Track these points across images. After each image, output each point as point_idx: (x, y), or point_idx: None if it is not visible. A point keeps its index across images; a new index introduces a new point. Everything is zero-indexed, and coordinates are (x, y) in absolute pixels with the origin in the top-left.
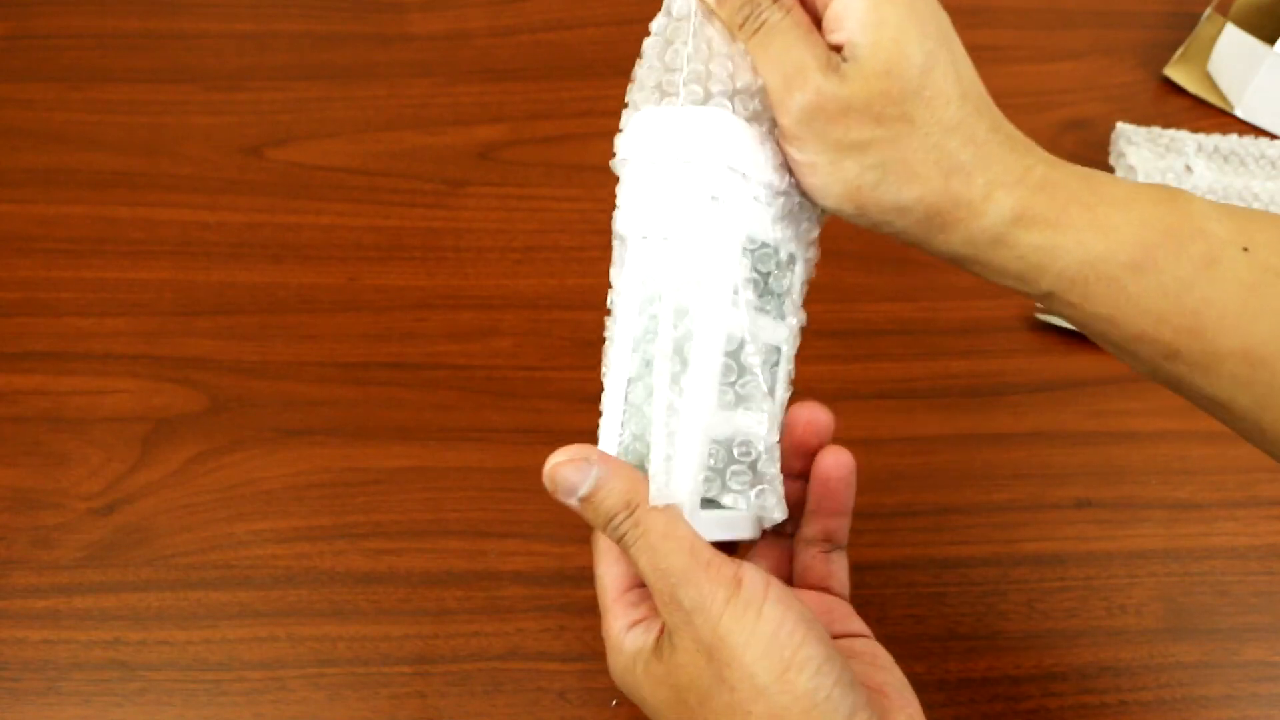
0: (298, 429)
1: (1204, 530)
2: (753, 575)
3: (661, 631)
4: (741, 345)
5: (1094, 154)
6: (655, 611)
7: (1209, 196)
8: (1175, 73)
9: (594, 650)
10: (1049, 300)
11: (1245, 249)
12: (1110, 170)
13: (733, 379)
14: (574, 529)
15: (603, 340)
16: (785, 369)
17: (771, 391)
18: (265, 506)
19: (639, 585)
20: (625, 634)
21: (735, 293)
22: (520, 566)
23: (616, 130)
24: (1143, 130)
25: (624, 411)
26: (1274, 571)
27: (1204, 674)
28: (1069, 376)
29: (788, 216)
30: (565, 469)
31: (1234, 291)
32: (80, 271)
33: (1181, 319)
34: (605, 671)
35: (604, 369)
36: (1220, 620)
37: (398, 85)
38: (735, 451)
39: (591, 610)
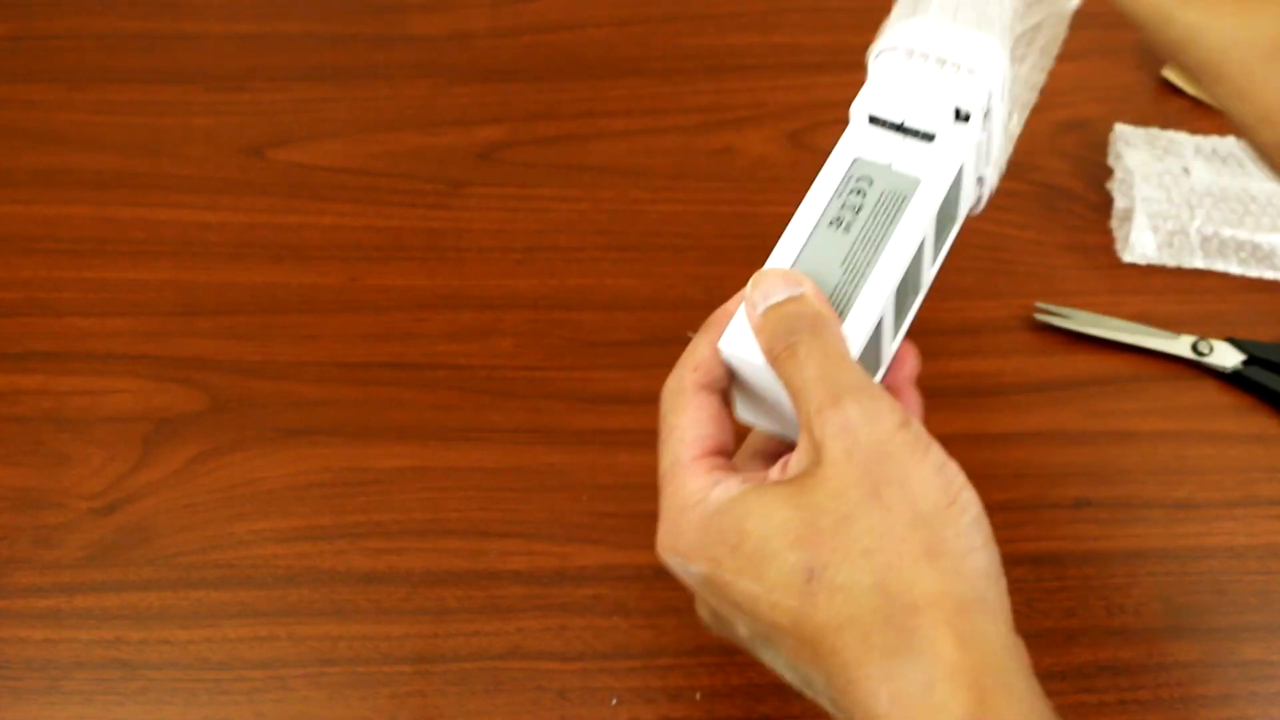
0: (298, 429)
1: (1202, 530)
2: (917, 419)
3: (784, 466)
4: (919, 261)
5: (1094, 154)
6: (735, 471)
7: (1207, 198)
8: (1174, 74)
9: (594, 650)
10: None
11: None
12: (1109, 173)
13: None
14: (574, 529)
15: (603, 341)
16: (915, 309)
17: (901, 320)
18: (266, 506)
19: (720, 453)
20: (716, 486)
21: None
22: (520, 566)
23: (617, 130)
24: (1141, 131)
25: (803, 246)
26: (1272, 571)
27: (1202, 673)
28: (1069, 376)
29: (973, 183)
30: (774, 276)
31: None
32: (81, 271)
33: None
34: (605, 671)
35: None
36: (1219, 619)
37: (398, 85)
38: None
39: (592, 609)
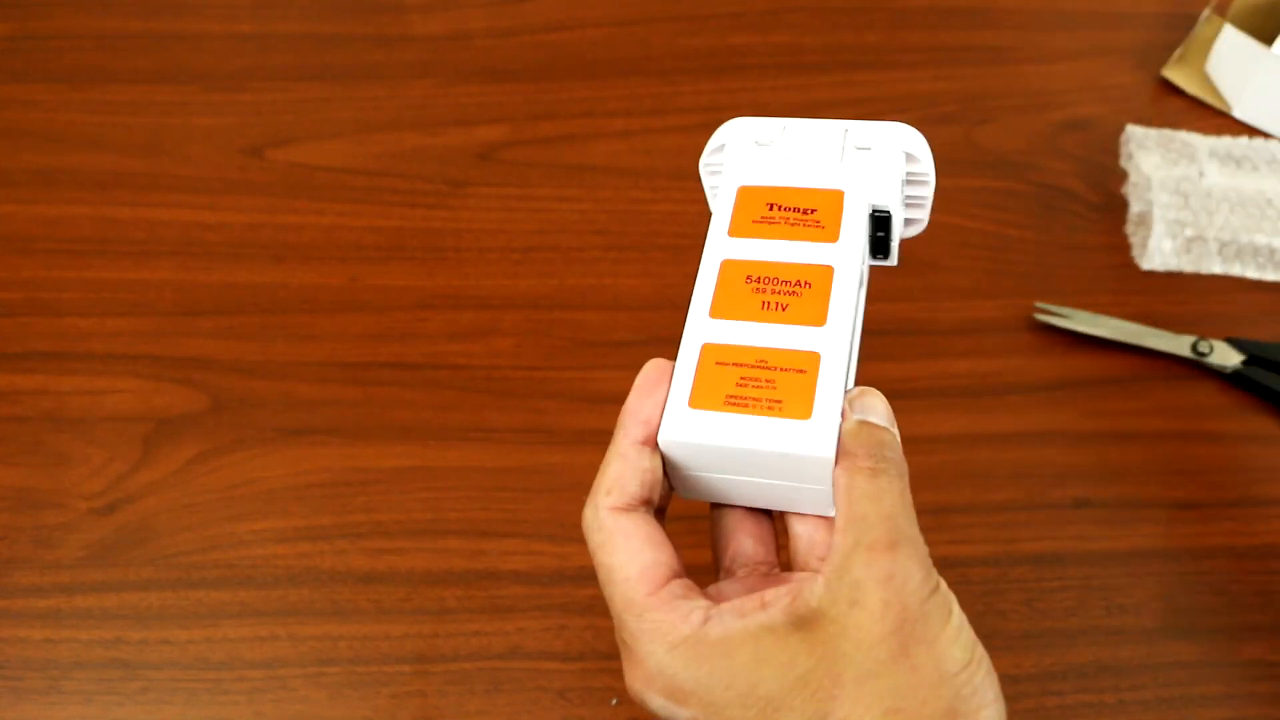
0: (299, 429)
1: (1203, 530)
2: (943, 582)
3: (795, 599)
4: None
5: (1093, 154)
6: (724, 596)
7: (1224, 203)
8: (1173, 73)
9: (594, 650)
10: None
11: None
12: (1110, 173)
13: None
14: (574, 529)
15: (603, 341)
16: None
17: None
18: (266, 506)
19: (677, 576)
20: (702, 621)
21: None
22: (520, 566)
23: (617, 130)
24: (1154, 133)
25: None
26: (1272, 571)
27: (1202, 673)
28: (1069, 376)
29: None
30: (879, 400)
31: None
32: (82, 272)
33: None
34: (605, 671)
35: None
36: (1219, 619)
37: (398, 86)
38: None
39: (592, 609)
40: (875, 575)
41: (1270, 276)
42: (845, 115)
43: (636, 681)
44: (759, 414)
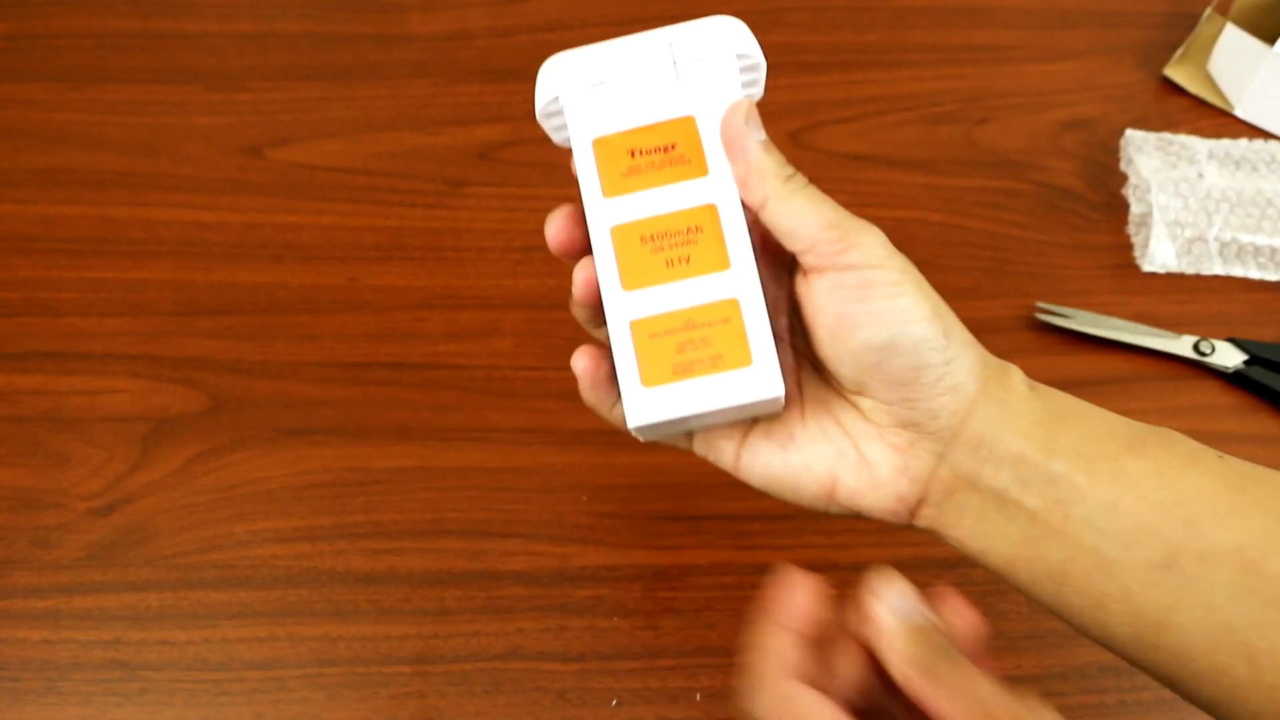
0: (298, 429)
1: None
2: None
3: None
4: None
5: (1094, 154)
6: None
7: (1223, 204)
8: (1175, 73)
9: (594, 651)
10: (1055, 486)
11: (1220, 457)
12: (1111, 173)
13: None
14: (574, 529)
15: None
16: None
17: None
18: (265, 506)
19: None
20: None
21: None
22: (520, 566)
23: None
24: (1152, 137)
25: None
26: None
27: None
28: (1069, 376)
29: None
30: (900, 592)
31: (1219, 486)
32: (80, 271)
33: (1179, 509)
34: (605, 672)
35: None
36: None
37: (398, 85)
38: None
39: (591, 610)
40: None
41: (1271, 276)
42: (846, 114)
43: None
44: (706, 373)
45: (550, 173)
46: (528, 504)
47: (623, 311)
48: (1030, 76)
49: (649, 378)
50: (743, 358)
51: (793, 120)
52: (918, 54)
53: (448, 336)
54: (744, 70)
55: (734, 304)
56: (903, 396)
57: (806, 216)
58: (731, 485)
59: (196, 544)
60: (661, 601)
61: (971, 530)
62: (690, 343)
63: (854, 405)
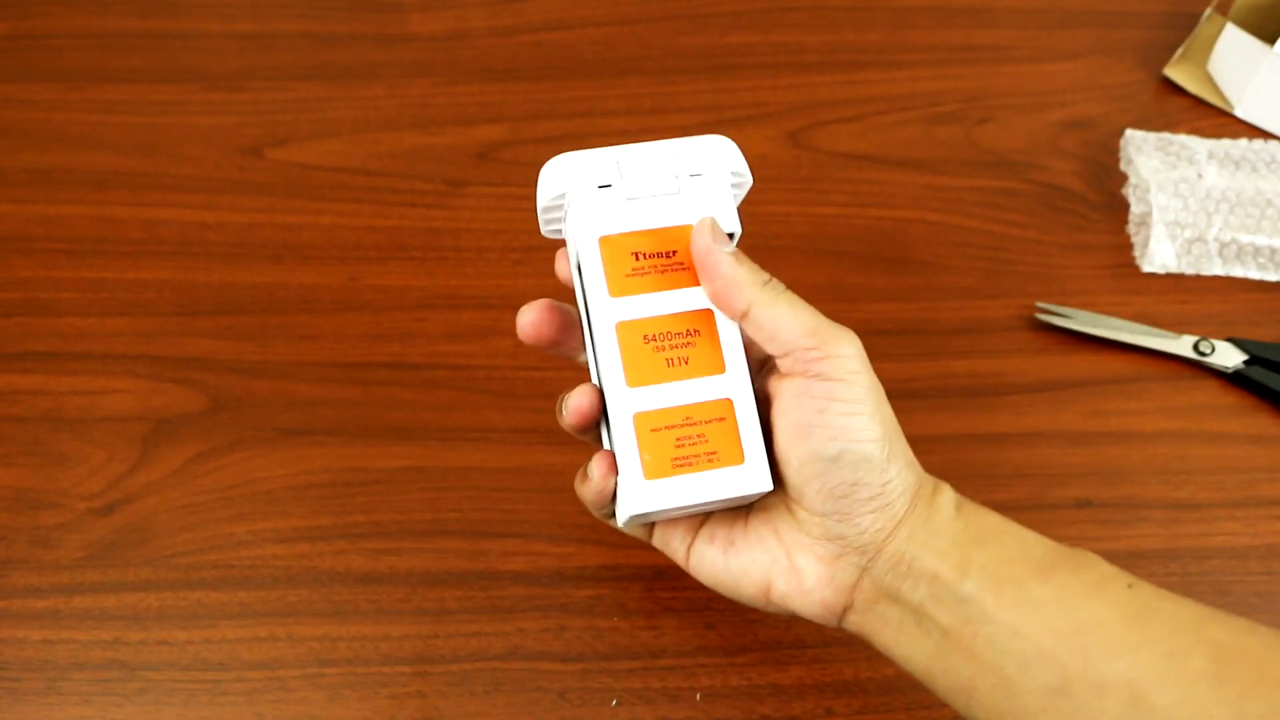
0: (298, 429)
1: (1204, 530)
2: None
3: None
4: None
5: (1094, 154)
6: None
7: (1223, 204)
8: (1175, 73)
9: (594, 651)
10: (965, 606)
11: (1129, 585)
12: (1111, 172)
13: None
14: (574, 529)
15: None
16: None
17: None
18: (265, 506)
19: None
20: None
21: None
22: (520, 566)
23: (616, 130)
24: (1152, 137)
25: None
26: (1274, 571)
27: None
28: (1069, 376)
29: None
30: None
31: (1118, 617)
32: (80, 271)
33: (1076, 637)
34: (605, 672)
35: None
36: None
37: (398, 85)
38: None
39: (591, 610)
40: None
41: (1271, 277)
42: (846, 114)
43: None
44: (702, 469)
45: None
46: (528, 504)
47: (627, 405)
48: (1030, 76)
49: (651, 471)
50: (736, 455)
51: (793, 120)
52: (918, 54)
53: (448, 336)
54: (734, 186)
55: (728, 404)
56: (835, 509)
57: (787, 322)
58: None
59: (196, 544)
60: (661, 601)
61: (893, 639)
62: (688, 439)
63: (791, 514)
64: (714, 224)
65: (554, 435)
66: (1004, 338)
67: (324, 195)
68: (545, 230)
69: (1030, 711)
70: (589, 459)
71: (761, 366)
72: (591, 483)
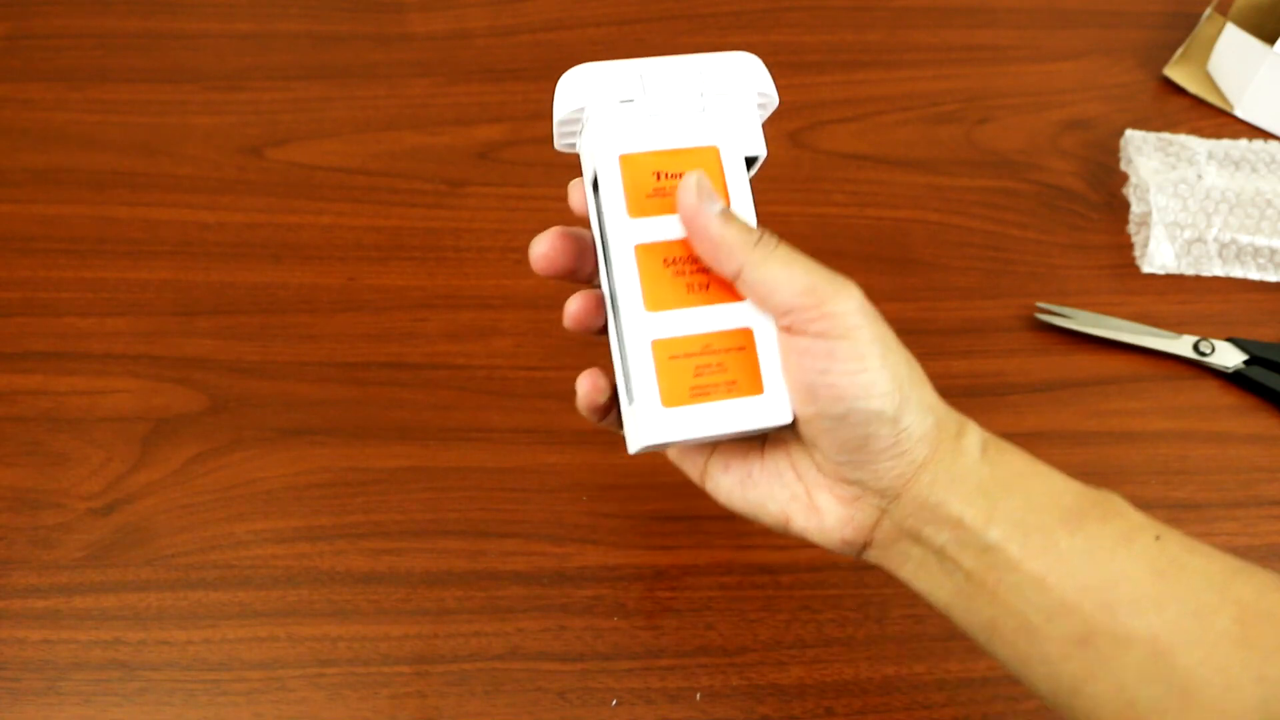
0: (298, 429)
1: (1204, 530)
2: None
3: None
4: None
5: (1094, 154)
6: None
7: (1223, 204)
8: (1175, 73)
9: (594, 651)
10: (989, 554)
11: (1157, 537)
12: (1111, 173)
13: None
14: (574, 529)
15: (603, 341)
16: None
17: None
18: (265, 506)
19: None
20: None
21: None
22: (520, 566)
23: None
24: (1152, 137)
25: None
26: (1274, 570)
27: None
28: (1069, 376)
29: None
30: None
31: (1145, 572)
32: (80, 271)
33: (1100, 592)
34: (604, 672)
35: None
36: None
37: (398, 85)
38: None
39: (591, 610)
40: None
41: (1271, 277)
42: (845, 114)
43: None
44: (722, 399)
45: (550, 172)
46: (528, 504)
47: (644, 330)
48: (1030, 76)
49: (669, 399)
50: (755, 385)
51: (793, 120)
52: (918, 54)
53: (447, 336)
54: (760, 107)
55: (748, 334)
56: (850, 459)
57: (780, 284)
58: None
59: (196, 544)
60: (661, 601)
61: (914, 575)
62: (708, 367)
63: (808, 453)
64: (700, 179)
65: (554, 435)
66: (1004, 338)
67: (324, 195)
68: (559, 144)
69: (1052, 658)
70: (593, 454)
71: None
72: (580, 398)
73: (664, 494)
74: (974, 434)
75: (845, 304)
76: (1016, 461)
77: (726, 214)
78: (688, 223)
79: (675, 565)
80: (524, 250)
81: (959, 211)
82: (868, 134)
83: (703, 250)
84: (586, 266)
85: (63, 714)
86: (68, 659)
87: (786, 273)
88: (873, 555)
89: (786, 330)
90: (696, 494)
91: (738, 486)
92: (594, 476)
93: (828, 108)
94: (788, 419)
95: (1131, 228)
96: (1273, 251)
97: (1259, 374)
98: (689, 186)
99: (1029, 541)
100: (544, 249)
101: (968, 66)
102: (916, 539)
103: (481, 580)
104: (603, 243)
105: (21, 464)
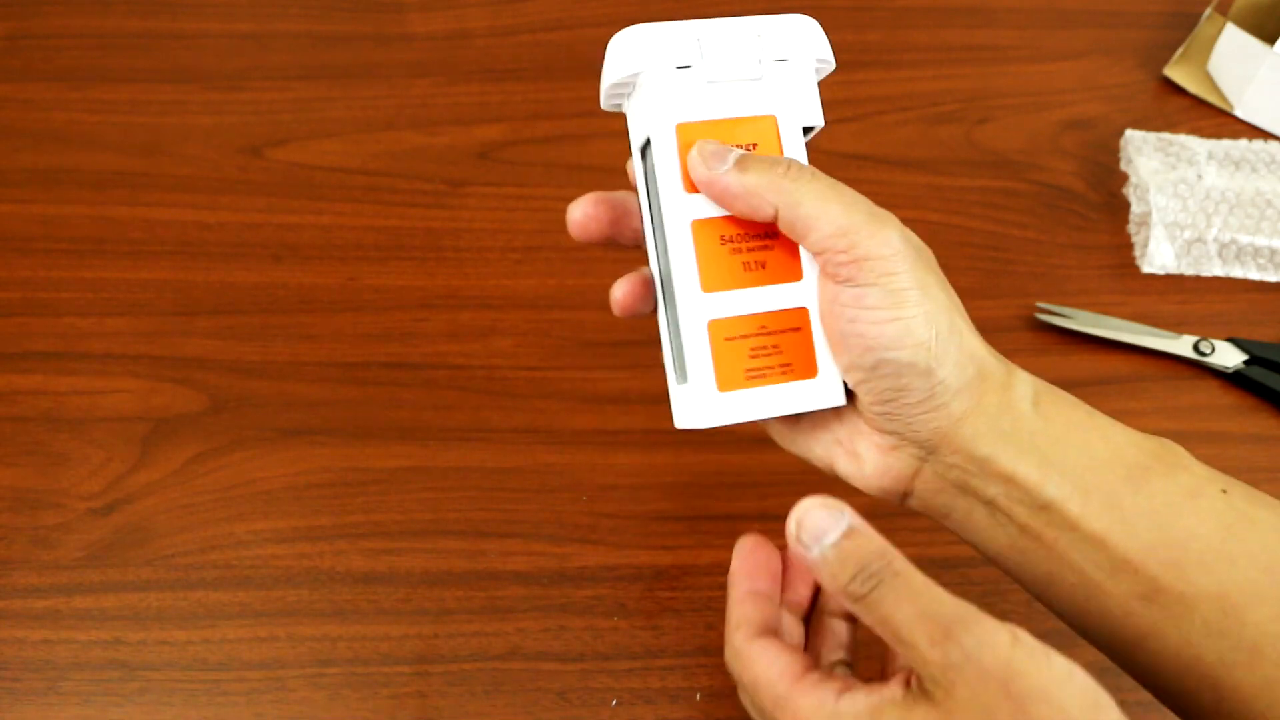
0: (298, 429)
1: None
2: (1022, 629)
3: (909, 682)
4: None
5: (1094, 154)
6: (853, 682)
7: (1223, 204)
8: (1175, 73)
9: (594, 651)
10: (1046, 512)
11: (1224, 490)
12: (1111, 172)
13: None
14: (574, 529)
15: (603, 341)
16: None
17: None
18: (265, 506)
19: (812, 670)
20: (840, 700)
21: None
22: (520, 566)
23: (616, 130)
24: (1152, 137)
25: None
26: None
27: None
28: (1069, 376)
29: None
30: (816, 511)
31: (1214, 529)
32: (80, 271)
33: (1167, 550)
34: (604, 672)
35: None
36: None
37: (398, 85)
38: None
39: (591, 610)
40: (954, 663)
41: (1271, 277)
42: (845, 114)
43: None
44: (776, 382)
45: (550, 173)
46: (528, 504)
47: (700, 312)
48: (1030, 76)
49: (724, 383)
50: (810, 368)
51: None
52: (918, 54)
53: (448, 336)
54: (817, 73)
55: (804, 314)
56: (884, 410)
57: (814, 220)
58: (731, 485)
59: (196, 544)
60: (661, 601)
61: (960, 525)
62: (763, 349)
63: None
64: (701, 147)
65: (554, 435)
66: (1004, 338)
67: (324, 195)
68: (606, 105)
69: (1113, 614)
70: (593, 454)
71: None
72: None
73: (664, 494)
74: (1024, 384)
75: (881, 248)
76: (1071, 412)
77: (742, 162)
78: (711, 195)
79: (675, 565)
80: (524, 250)
81: (959, 211)
82: (868, 134)
83: (739, 211)
84: (626, 232)
85: (63, 714)
86: (68, 659)
87: (821, 208)
88: (915, 504)
89: (821, 272)
90: (696, 494)
91: (786, 430)
92: (594, 476)
93: (827, 108)
94: (841, 401)
95: (1131, 228)
96: (1273, 251)
97: (1259, 374)
98: (695, 163)
99: (1090, 500)
100: (579, 215)
101: (967, 66)
102: (963, 490)
103: (481, 580)
104: (654, 218)
105: (21, 464)
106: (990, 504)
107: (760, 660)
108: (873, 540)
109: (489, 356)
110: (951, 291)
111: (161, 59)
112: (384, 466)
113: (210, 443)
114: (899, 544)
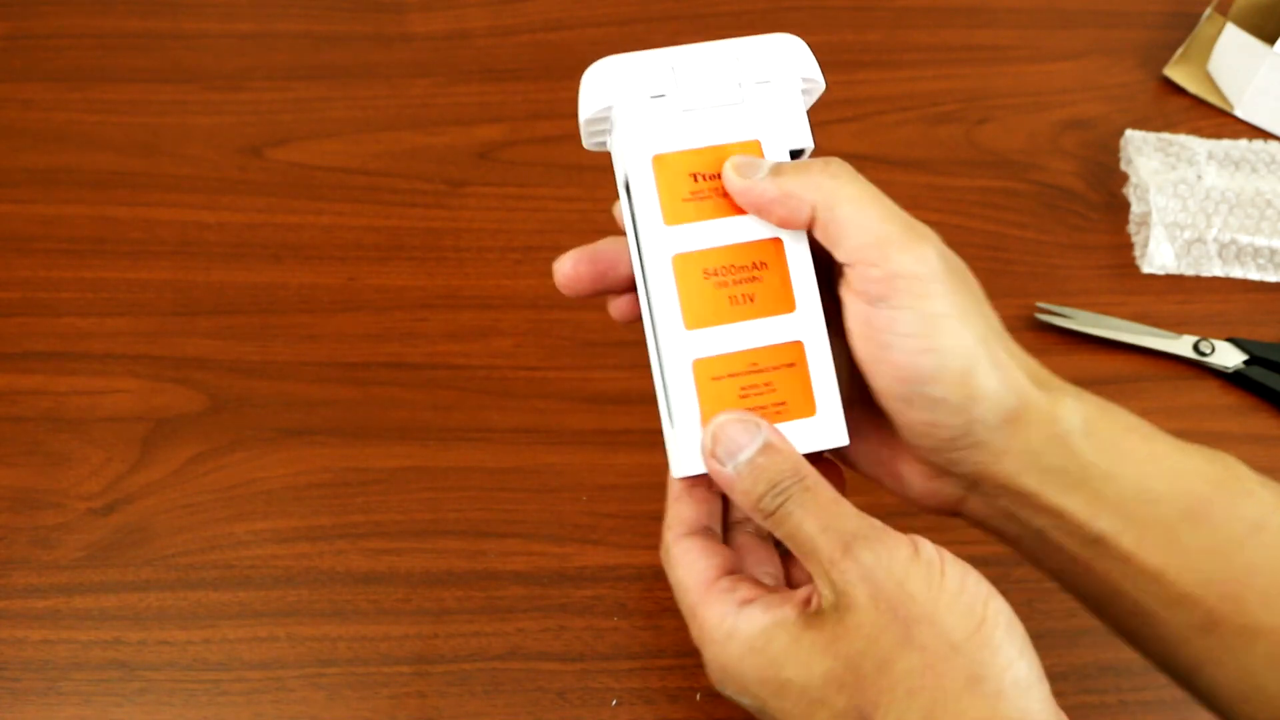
0: (298, 429)
1: None
2: (924, 540)
3: (809, 601)
4: None
5: (1095, 153)
6: (763, 589)
7: (1223, 205)
8: (1175, 73)
9: (594, 651)
10: (1097, 546)
11: None
12: (1111, 173)
13: None
14: (574, 529)
15: (603, 341)
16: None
17: None
18: (265, 506)
19: (727, 573)
20: (739, 616)
21: None
22: (520, 566)
23: None
24: (1152, 137)
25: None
26: None
27: None
28: (1069, 376)
29: None
30: (733, 427)
31: (1277, 563)
32: (80, 271)
33: (1226, 585)
34: (605, 672)
35: None
36: None
37: (398, 85)
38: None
39: (591, 610)
40: (851, 579)
41: (1271, 277)
42: (845, 114)
43: (709, 675)
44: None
45: (550, 173)
46: (528, 504)
47: (684, 350)
48: (1030, 76)
49: None
50: (807, 407)
51: None
52: (918, 54)
53: (448, 336)
54: (805, 94)
55: (799, 348)
56: (919, 444)
57: (850, 228)
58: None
59: (196, 544)
60: (661, 601)
61: (1014, 544)
62: (754, 388)
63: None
64: (735, 161)
65: (554, 435)
66: None
67: (324, 195)
68: (588, 144)
69: (1169, 640)
70: (593, 454)
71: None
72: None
73: (664, 494)
74: (1072, 412)
75: (915, 264)
76: (1125, 440)
77: (778, 167)
78: (748, 205)
79: None
80: (524, 250)
81: (959, 211)
82: (868, 134)
83: (778, 218)
84: (616, 281)
85: (63, 714)
86: (68, 659)
87: (857, 213)
88: (968, 520)
89: (850, 289)
90: None
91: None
92: (594, 476)
93: (827, 108)
94: (843, 441)
95: (1131, 228)
96: (1273, 251)
97: (1259, 374)
98: (729, 177)
99: (1145, 536)
100: (562, 279)
101: (967, 66)
102: (1010, 517)
103: (481, 580)
104: (638, 252)
105: (21, 464)
106: (1039, 534)
107: (681, 562)
108: (789, 457)
109: (489, 356)
110: (991, 314)
111: (161, 59)
112: (384, 466)
113: (210, 443)
114: (941, 536)
